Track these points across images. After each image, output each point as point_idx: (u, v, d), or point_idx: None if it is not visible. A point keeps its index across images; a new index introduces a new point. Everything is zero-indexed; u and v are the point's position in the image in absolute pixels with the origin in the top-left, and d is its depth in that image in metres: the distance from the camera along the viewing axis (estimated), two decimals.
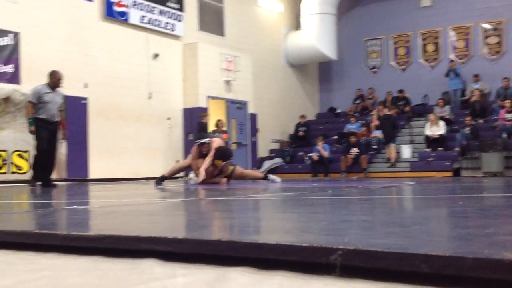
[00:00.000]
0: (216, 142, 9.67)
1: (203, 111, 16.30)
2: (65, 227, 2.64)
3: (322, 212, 3.25)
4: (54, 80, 9.49)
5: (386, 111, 17.27)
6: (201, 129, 15.82)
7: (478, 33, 19.90)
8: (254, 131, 18.47)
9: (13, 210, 4.20)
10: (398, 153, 17.13)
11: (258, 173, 11.22)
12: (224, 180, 9.44)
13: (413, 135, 17.87)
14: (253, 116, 18.40)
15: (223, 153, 9.40)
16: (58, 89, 9.61)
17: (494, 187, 7.10)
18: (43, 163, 9.36)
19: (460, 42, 20.24)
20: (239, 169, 10.13)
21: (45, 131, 9.24)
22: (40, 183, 9.31)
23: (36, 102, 9.24)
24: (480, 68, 19.38)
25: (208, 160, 9.30)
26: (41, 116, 9.24)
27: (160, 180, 9.77)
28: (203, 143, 9.64)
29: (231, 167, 9.72)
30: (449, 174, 15.52)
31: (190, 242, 1.80)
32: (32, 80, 12.80)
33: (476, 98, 17.85)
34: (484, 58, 19.77)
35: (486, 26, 19.76)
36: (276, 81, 20.68)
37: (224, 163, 9.36)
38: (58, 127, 9.54)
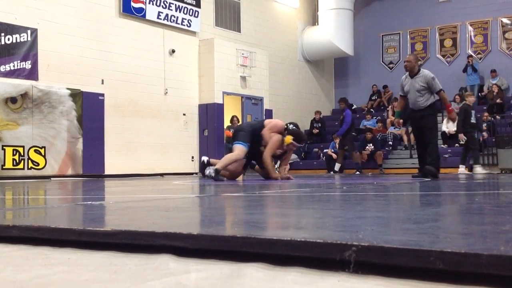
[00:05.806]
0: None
1: (466, 90, 16.20)
2: (80, 222, 2.66)
3: (337, 208, 3.24)
4: (405, 65, 9.14)
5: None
6: (467, 114, 14.06)
7: (497, 28, 19.71)
8: None
9: (30, 206, 4.24)
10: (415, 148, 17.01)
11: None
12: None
13: None
14: (269, 112, 18.39)
15: (299, 135, 8.91)
16: (420, 73, 8.91)
17: (511, 183, 7.03)
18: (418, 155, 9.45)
19: (478, 37, 20.06)
20: None
21: (412, 121, 9.64)
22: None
23: (403, 95, 9.22)
24: (498, 63, 19.20)
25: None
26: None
27: (210, 172, 8.63)
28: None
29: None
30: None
31: (205, 238, 1.80)
32: (49, 76, 12.91)
33: (494, 94, 17.68)
34: (502, 53, 19.58)
35: (505, 20, 19.56)
36: (292, 77, 20.66)
37: (291, 142, 8.62)
38: (428, 113, 8.92)
